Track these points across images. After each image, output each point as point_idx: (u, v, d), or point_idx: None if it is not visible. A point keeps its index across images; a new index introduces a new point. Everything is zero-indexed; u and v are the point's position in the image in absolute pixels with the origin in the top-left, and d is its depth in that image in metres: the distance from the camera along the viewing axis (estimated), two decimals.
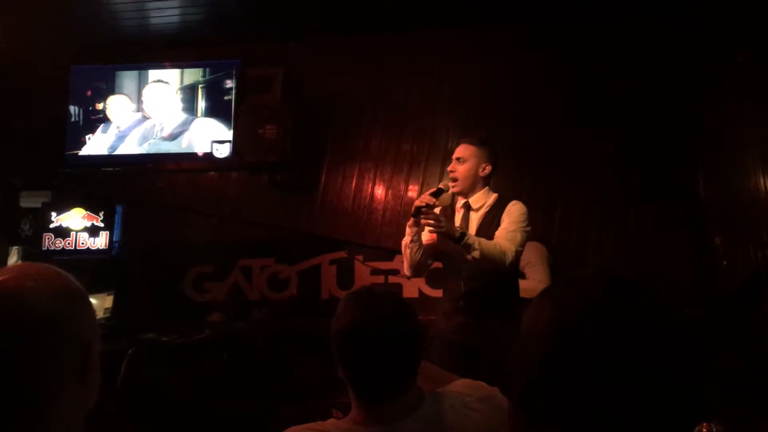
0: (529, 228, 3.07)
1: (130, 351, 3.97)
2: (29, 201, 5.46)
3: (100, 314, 4.78)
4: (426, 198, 2.99)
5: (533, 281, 3.95)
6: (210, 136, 5.12)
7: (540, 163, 4.84)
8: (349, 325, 1.50)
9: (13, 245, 5.39)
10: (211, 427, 3.85)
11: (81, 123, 5.30)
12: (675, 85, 4.63)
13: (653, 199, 4.59)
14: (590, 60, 4.80)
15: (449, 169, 3.21)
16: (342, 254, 5.07)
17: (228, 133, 5.09)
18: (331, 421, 1.52)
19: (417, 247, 3.13)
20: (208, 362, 4.28)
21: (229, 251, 5.28)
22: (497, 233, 3.03)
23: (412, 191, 5.05)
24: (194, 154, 5.16)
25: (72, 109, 5.30)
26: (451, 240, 2.91)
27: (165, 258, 5.30)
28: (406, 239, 3.14)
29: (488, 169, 3.15)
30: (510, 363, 0.91)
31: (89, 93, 5.32)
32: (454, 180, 3.16)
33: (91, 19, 5.00)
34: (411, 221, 3.08)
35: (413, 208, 3.01)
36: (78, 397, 1.03)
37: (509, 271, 3.03)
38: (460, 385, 1.58)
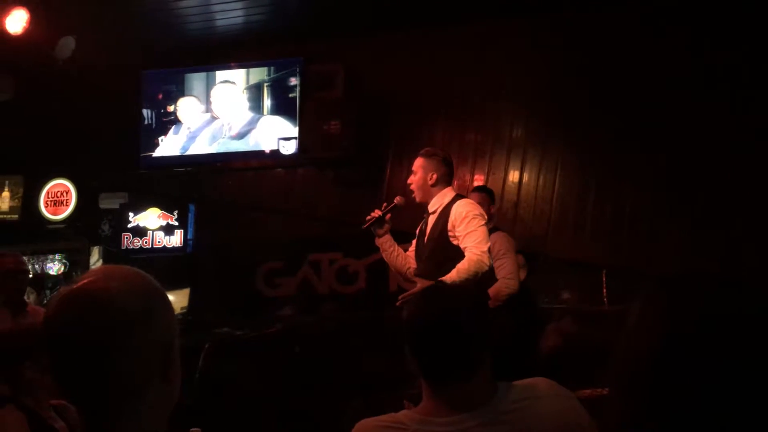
0: (484, 220, 3.21)
1: (206, 346, 4.10)
2: (108, 202, 5.69)
3: (177, 310, 4.95)
4: (375, 212, 3.38)
5: (502, 282, 3.93)
6: (276, 134, 5.22)
7: (605, 151, 4.73)
8: (419, 316, 1.53)
9: (94, 245, 5.64)
10: (283, 419, 3.94)
11: (154, 125, 5.49)
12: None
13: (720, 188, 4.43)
14: (658, 48, 4.64)
15: (408, 181, 3.47)
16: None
17: (293, 130, 5.18)
18: (403, 412, 1.54)
19: (395, 254, 3.48)
20: (280, 356, 4.37)
21: (298, 246, 5.36)
22: (462, 243, 3.18)
23: (478, 181, 5.02)
24: (261, 152, 5.27)
25: (145, 112, 5.50)
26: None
27: (237, 254, 5.43)
28: (382, 252, 3.50)
29: (434, 177, 3.36)
30: (614, 355, 0.91)
31: (160, 96, 5.50)
32: (412, 191, 3.44)
33: (159, 24, 5.17)
34: (375, 237, 3.46)
35: (363, 225, 3.39)
36: (161, 393, 1.07)
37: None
38: (530, 380, 1.58)
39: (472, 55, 5.12)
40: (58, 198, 5.78)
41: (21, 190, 5.90)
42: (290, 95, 5.24)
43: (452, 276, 3.10)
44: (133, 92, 5.47)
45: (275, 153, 5.21)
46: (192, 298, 5.24)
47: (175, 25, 5.22)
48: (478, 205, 3.30)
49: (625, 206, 4.67)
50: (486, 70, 5.09)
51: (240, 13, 5.13)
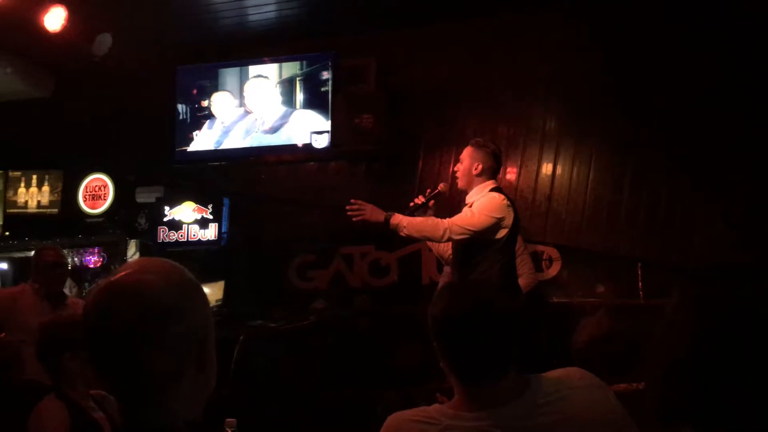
0: (493, 215, 3.22)
1: (240, 337, 4.15)
2: (144, 196, 5.78)
3: (212, 303, 5.01)
4: (420, 198, 3.45)
5: (531, 276, 4.10)
6: (308, 128, 5.24)
7: (641, 143, 4.66)
8: (446, 311, 1.52)
9: (131, 238, 5.74)
10: (316, 411, 3.97)
11: (188, 120, 5.56)
12: None
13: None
14: (696, 38, 4.55)
15: (455, 169, 3.54)
16: None
17: (326, 124, 5.20)
18: (435, 406, 1.54)
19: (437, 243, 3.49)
20: (313, 348, 4.41)
21: (330, 239, 5.39)
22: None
23: (511, 174, 4.99)
24: (294, 146, 5.30)
25: (180, 107, 5.56)
26: (380, 226, 3.29)
27: (270, 247, 5.48)
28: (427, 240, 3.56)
29: (479, 168, 3.39)
30: (650, 349, 0.90)
31: (195, 91, 5.57)
32: (458, 179, 3.49)
33: (193, 20, 5.22)
34: None
35: (407, 209, 3.42)
36: (197, 383, 1.09)
37: (498, 261, 3.22)
38: (562, 371, 1.56)
39: (504, 47, 5.08)
40: (96, 192, 5.89)
41: (60, 185, 6.02)
42: (322, 89, 5.25)
43: (405, 219, 3.23)
44: (168, 88, 5.54)
45: (308, 147, 5.24)
46: (226, 291, 5.31)
47: (208, 20, 5.27)
48: (502, 205, 3.27)
49: (660, 198, 4.60)
50: (518, 62, 5.05)
51: (273, 8, 5.16)
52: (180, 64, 5.59)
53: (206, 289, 1.20)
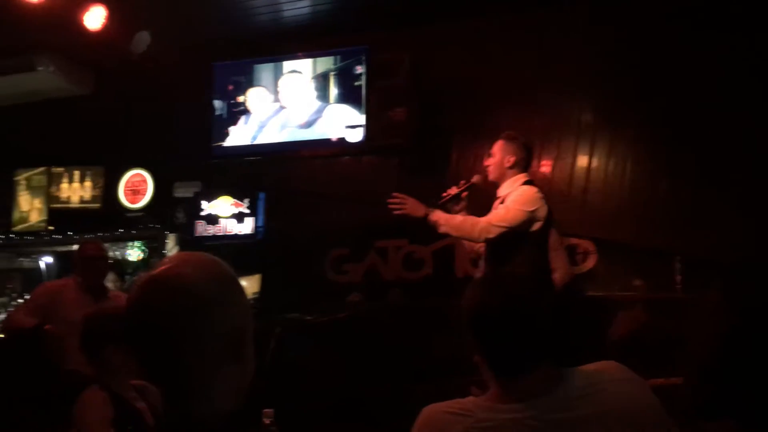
0: (526, 209, 3.21)
1: (277, 330, 4.20)
2: (182, 191, 5.88)
3: (249, 296, 5.07)
4: (453, 189, 3.46)
5: (566, 270, 4.00)
6: (342, 122, 5.27)
7: (680, 136, 4.58)
8: (479, 304, 1.53)
9: (170, 232, 5.84)
10: (351, 402, 4.00)
11: (225, 116, 5.63)
12: None
13: None
14: (735, 31, 4.45)
15: (485, 163, 3.55)
16: None
17: (359, 118, 5.22)
18: (470, 398, 1.54)
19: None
20: (348, 341, 4.44)
21: (365, 233, 5.40)
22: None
23: (545, 167, 4.95)
24: (328, 140, 5.34)
25: (216, 103, 5.64)
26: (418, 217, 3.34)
27: (305, 241, 5.52)
28: None
29: (511, 160, 3.41)
30: (688, 343, 0.90)
31: (231, 87, 5.63)
32: (488, 172, 3.50)
33: (228, 17, 5.29)
34: (450, 213, 3.46)
35: (440, 200, 3.45)
36: (235, 375, 1.12)
37: (531, 254, 3.22)
38: (597, 364, 1.56)
39: (538, 39, 5.03)
40: (136, 187, 6.01)
41: (102, 180, 6.15)
42: (356, 83, 5.27)
43: (445, 216, 3.27)
44: (204, 84, 5.62)
45: (341, 141, 5.27)
46: (263, 284, 5.37)
47: (244, 17, 5.33)
48: (536, 197, 3.27)
49: (700, 192, 4.51)
50: (553, 54, 4.99)
51: (307, 3, 5.19)
52: (216, 60, 5.67)
53: (243, 283, 1.22)
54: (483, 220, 3.21)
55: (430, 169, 5.27)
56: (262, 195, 5.59)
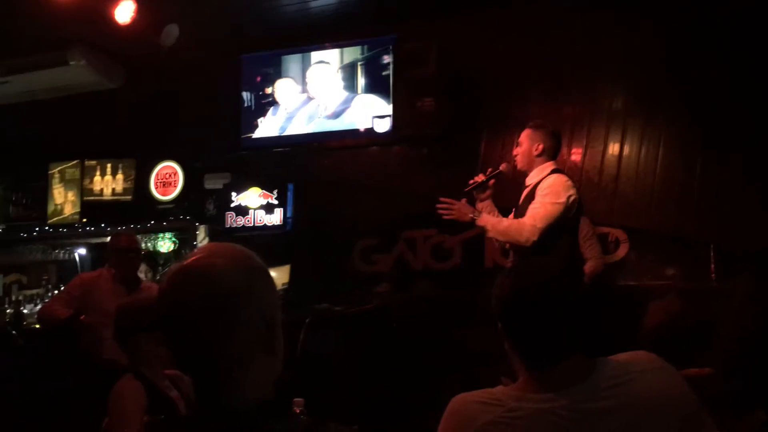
0: (560, 201, 3.17)
1: (306, 320, 4.23)
2: (212, 183, 5.93)
3: (278, 286, 5.11)
4: (479, 177, 3.44)
5: (597, 261, 4.08)
6: (370, 112, 5.26)
7: (713, 121, 4.49)
8: (510, 293, 1.52)
9: (200, 224, 5.91)
10: (380, 393, 4.02)
11: (253, 107, 5.66)
12: None
13: None
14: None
15: (513, 153, 3.55)
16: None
17: (387, 108, 5.21)
18: (499, 388, 1.54)
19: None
20: (378, 331, 4.45)
21: (393, 223, 5.41)
22: (528, 211, 3.21)
23: (576, 155, 4.90)
24: (356, 130, 5.34)
25: (245, 95, 5.67)
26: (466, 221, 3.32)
27: (334, 231, 5.54)
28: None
29: (540, 147, 3.38)
30: (719, 333, 0.89)
31: (259, 79, 5.66)
32: (516, 162, 3.49)
33: (256, 8, 5.30)
34: (476, 201, 3.47)
35: (466, 188, 3.45)
36: (266, 366, 1.13)
37: (561, 243, 3.18)
38: (629, 354, 1.54)
39: (567, 26, 4.95)
40: (167, 179, 6.07)
41: (133, 173, 6.24)
42: (383, 73, 5.26)
43: (491, 221, 3.25)
44: (233, 76, 5.65)
45: (369, 131, 5.27)
46: (292, 275, 5.40)
47: (271, 8, 5.33)
48: (567, 184, 3.23)
49: (734, 178, 4.42)
50: (582, 41, 4.92)
51: None
52: (244, 52, 5.69)
53: (273, 273, 1.23)
54: (526, 223, 3.16)
55: (459, 159, 5.24)
56: (290, 186, 5.62)
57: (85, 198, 6.33)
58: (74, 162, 6.41)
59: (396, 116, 5.16)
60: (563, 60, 4.99)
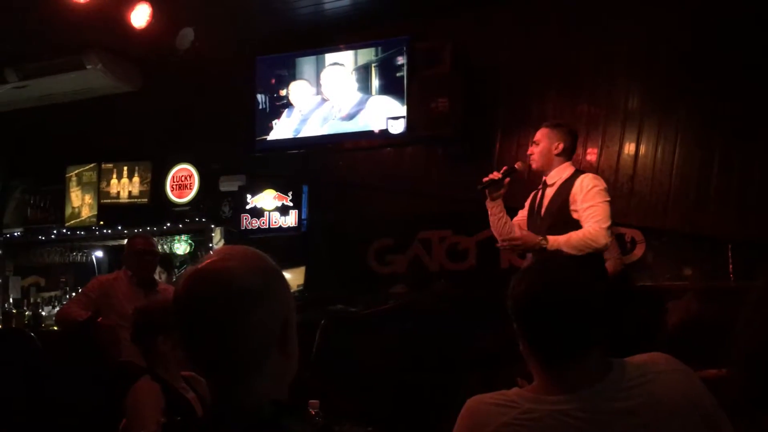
0: (608, 198, 3.16)
1: (322, 322, 4.23)
2: (227, 185, 5.96)
3: (293, 288, 5.12)
4: (494, 174, 3.35)
5: (617, 261, 4.00)
6: (385, 113, 5.26)
7: (730, 119, 4.44)
8: (526, 292, 1.51)
9: (216, 226, 5.94)
10: (396, 394, 4.01)
11: (268, 110, 5.68)
12: None
13: None
14: None
15: (528, 152, 3.47)
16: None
17: (402, 109, 5.21)
18: (515, 390, 1.53)
19: (503, 221, 3.43)
20: (393, 332, 4.44)
21: (408, 224, 5.40)
22: (582, 218, 3.14)
23: (591, 155, 4.87)
24: (371, 132, 5.35)
25: (259, 97, 5.69)
26: (532, 250, 3.17)
27: (349, 233, 5.54)
28: (490, 216, 3.45)
29: (560, 146, 3.34)
30: (735, 333, 0.88)
31: (273, 81, 5.68)
32: (532, 161, 3.43)
33: (270, 11, 5.32)
34: (487, 198, 3.41)
35: (479, 185, 3.37)
36: (281, 366, 1.14)
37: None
38: (646, 355, 1.53)
39: (582, 25, 4.93)
40: (183, 182, 6.11)
41: (149, 176, 6.28)
42: (397, 74, 5.26)
43: (559, 240, 3.09)
44: (247, 78, 5.68)
45: (384, 132, 5.27)
46: (307, 276, 5.41)
47: (286, 10, 5.35)
48: (604, 183, 3.23)
49: (753, 176, 4.37)
50: (598, 39, 4.89)
51: None
52: (258, 54, 5.72)
53: (287, 275, 1.24)
54: (595, 228, 3.09)
55: (474, 159, 5.22)
56: (305, 188, 5.63)
57: (102, 201, 6.39)
58: (91, 165, 6.46)
59: (410, 117, 5.16)
60: (579, 58, 4.96)
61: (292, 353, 1.16)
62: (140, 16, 4.83)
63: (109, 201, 6.37)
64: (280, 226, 5.58)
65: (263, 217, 5.63)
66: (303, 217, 5.57)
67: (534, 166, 3.42)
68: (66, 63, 5.61)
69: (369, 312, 4.65)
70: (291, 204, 5.59)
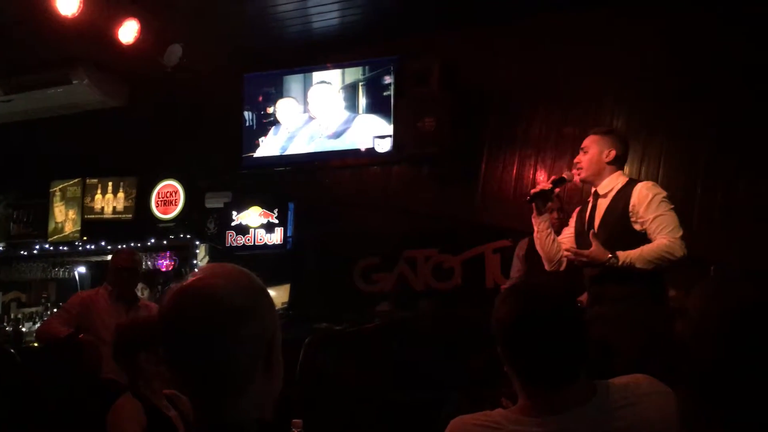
0: (673, 206, 3.01)
1: (306, 340, 4.21)
2: (213, 202, 5.94)
3: (278, 306, 5.09)
4: (543, 185, 3.17)
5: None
6: (371, 132, 5.29)
7: (713, 142, 4.50)
8: (511, 314, 1.50)
9: (201, 243, 5.91)
10: (380, 412, 3.99)
11: (255, 127, 5.69)
12: None
13: None
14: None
15: (575, 160, 3.26)
16: (505, 242, 5.02)
17: (388, 128, 5.23)
18: (498, 410, 1.53)
19: (551, 239, 3.22)
20: (378, 350, 4.43)
21: (394, 243, 5.40)
22: (651, 230, 2.96)
23: (578, 175, 4.89)
24: (357, 150, 5.36)
25: (246, 114, 5.70)
26: (600, 265, 2.95)
27: (335, 251, 5.53)
28: (535, 233, 3.24)
29: (612, 154, 3.14)
30: (681, 356, 0.89)
31: (261, 98, 5.69)
32: (579, 170, 3.22)
33: (258, 29, 5.34)
34: (534, 213, 3.20)
35: (528, 197, 3.17)
36: (266, 385, 1.13)
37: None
38: (629, 377, 1.53)
39: (569, 46, 4.98)
40: (168, 198, 6.08)
41: (134, 191, 6.24)
42: (384, 93, 5.29)
43: (632, 255, 2.89)
44: (235, 95, 5.69)
45: (371, 151, 5.28)
46: (292, 294, 5.39)
47: (273, 29, 5.37)
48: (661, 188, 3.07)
49: (735, 198, 4.42)
50: (583, 60, 4.94)
51: (336, 14, 5.22)
52: (246, 72, 5.73)
53: (272, 292, 1.24)
54: (669, 239, 2.91)
55: (461, 178, 5.25)
56: (291, 205, 5.63)
57: (86, 216, 6.34)
58: (75, 180, 6.42)
59: (397, 136, 5.18)
60: (566, 79, 5.01)
61: (277, 372, 1.15)
62: (128, 32, 4.82)
63: (93, 216, 6.33)
64: (266, 243, 5.57)
65: (249, 234, 5.61)
66: (288, 235, 5.55)
67: (582, 175, 3.21)
68: (52, 78, 5.59)
69: (354, 330, 4.64)
70: (277, 221, 5.58)
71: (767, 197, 4.33)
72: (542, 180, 3.23)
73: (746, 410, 0.80)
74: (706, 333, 0.86)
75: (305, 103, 5.57)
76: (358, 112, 5.39)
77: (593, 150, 3.17)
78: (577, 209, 3.38)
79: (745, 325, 0.82)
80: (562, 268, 3.28)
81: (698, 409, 0.86)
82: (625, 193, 3.07)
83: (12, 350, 4.73)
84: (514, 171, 5.08)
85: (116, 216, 6.27)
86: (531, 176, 5.00)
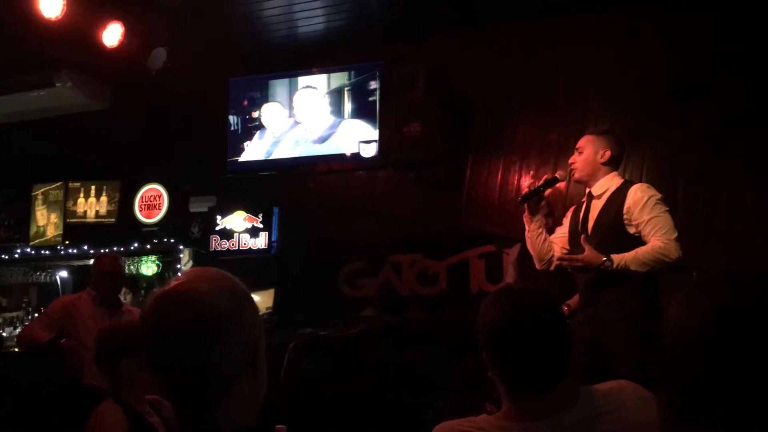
0: (668, 206, 3.00)
1: (291, 345, 4.20)
2: (197, 206, 5.90)
3: (262, 310, 5.07)
4: (535, 185, 3.21)
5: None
6: (357, 137, 5.28)
7: (696, 150, 4.54)
8: (496, 320, 1.51)
9: (185, 247, 5.87)
10: (367, 418, 3.98)
11: (240, 131, 5.67)
12: None
13: None
14: (751, 42, 4.41)
15: (570, 161, 3.26)
16: (490, 248, 5.03)
17: (374, 133, 5.23)
18: (483, 416, 1.53)
19: (542, 239, 3.22)
20: (363, 356, 4.42)
21: (379, 248, 5.40)
22: (645, 232, 2.96)
23: (562, 182, 4.92)
24: (342, 155, 5.35)
25: (231, 118, 5.68)
26: (595, 269, 2.93)
27: (320, 256, 5.51)
28: (527, 232, 3.24)
29: (607, 154, 3.15)
30: (662, 361, 0.89)
31: (246, 102, 5.67)
32: (573, 170, 3.22)
33: (244, 33, 5.33)
34: (526, 213, 3.21)
35: (520, 197, 3.17)
36: (249, 391, 1.12)
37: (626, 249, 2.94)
38: (613, 383, 1.54)
39: (555, 53, 5.01)
40: (152, 202, 6.03)
41: (117, 195, 6.19)
42: (370, 99, 5.29)
43: (626, 258, 2.87)
44: (220, 99, 5.66)
45: (356, 156, 5.28)
46: (276, 299, 5.37)
47: (259, 33, 5.37)
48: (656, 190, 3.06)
49: (718, 207, 4.46)
50: (570, 67, 4.97)
51: (321, 19, 5.22)
52: (231, 76, 5.71)
53: (257, 297, 1.23)
54: (663, 241, 2.90)
55: (446, 183, 5.25)
56: (276, 210, 5.61)
57: (68, 220, 6.27)
58: (58, 183, 6.36)
59: (383, 141, 5.18)
60: (552, 85, 5.02)
61: (261, 377, 1.15)
62: (112, 35, 4.79)
63: (75, 220, 6.26)
64: (250, 248, 5.54)
65: (233, 238, 5.58)
66: (273, 240, 5.53)
67: (576, 176, 3.21)
68: (35, 80, 5.54)
69: (339, 335, 4.63)
70: (261, 226, 5.55)
71: (751, 203, 4.37)
72: (527, 186, 3.23)
73: (726, 416, 0.80)
74: (686, 339, 0.87)
75: (291, 107, 5.56)
76: (343, 117, 5.38)
77: (588, 150, 3.17)
78: (572, 209, 3.38)
79: (724, 329, 0.83)
80: (552, 267, 3.28)
81: (678, 415, 0.87)
82: (619, 196, 3.07)
83: None
84: (499, 177, 5.09)
85: (99, 220, 6.22)
86: (516, 182, 5.02)
